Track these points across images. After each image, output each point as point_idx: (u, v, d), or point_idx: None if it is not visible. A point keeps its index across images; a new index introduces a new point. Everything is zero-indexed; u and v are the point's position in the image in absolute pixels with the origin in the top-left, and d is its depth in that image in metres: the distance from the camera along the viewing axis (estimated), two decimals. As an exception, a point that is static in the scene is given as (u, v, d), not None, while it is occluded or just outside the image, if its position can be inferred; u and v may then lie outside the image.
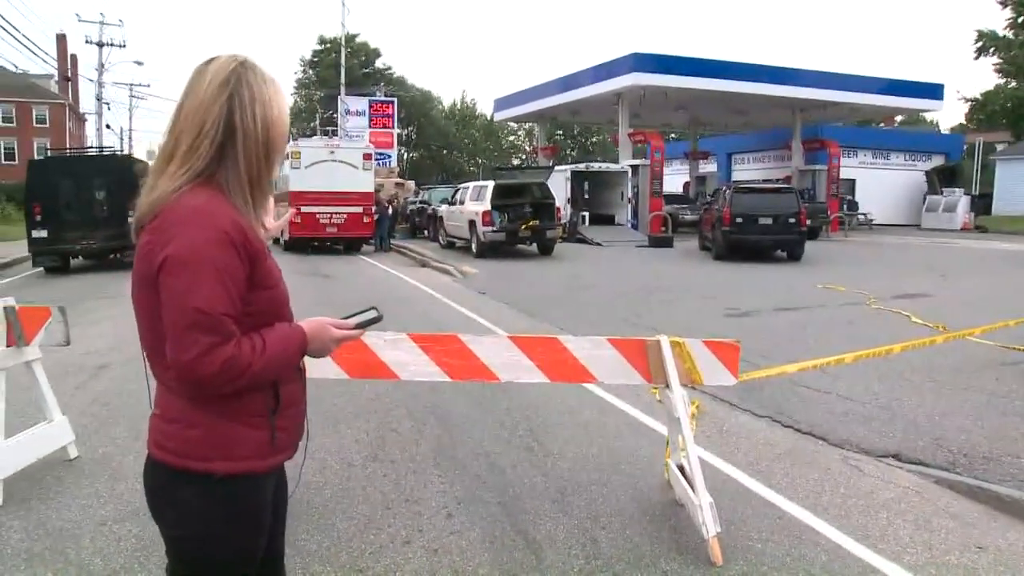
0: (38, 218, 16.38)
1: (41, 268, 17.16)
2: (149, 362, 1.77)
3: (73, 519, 3.93)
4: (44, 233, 16.43)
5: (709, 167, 42.95)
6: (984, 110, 41.98)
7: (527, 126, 67.51)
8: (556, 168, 27.64)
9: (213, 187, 1.68)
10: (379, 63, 69.59)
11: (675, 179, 41.17)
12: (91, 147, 37.02)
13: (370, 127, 41.85)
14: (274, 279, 1.77)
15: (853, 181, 37.34)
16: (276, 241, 21.07)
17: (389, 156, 41.81)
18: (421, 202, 29.59)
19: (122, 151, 35.43)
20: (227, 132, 1.67)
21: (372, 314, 1.92)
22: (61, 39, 54.58)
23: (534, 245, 20.59)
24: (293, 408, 1.83)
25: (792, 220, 18.72)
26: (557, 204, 20.93)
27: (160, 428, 1.74)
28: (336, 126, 42.29)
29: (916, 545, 3.69)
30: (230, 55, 1.74)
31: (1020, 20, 36.64)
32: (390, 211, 25.15)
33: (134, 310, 1.77)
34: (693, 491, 3.67)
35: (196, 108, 1.67)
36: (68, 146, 45.63)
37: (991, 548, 3.67)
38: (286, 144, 1.81)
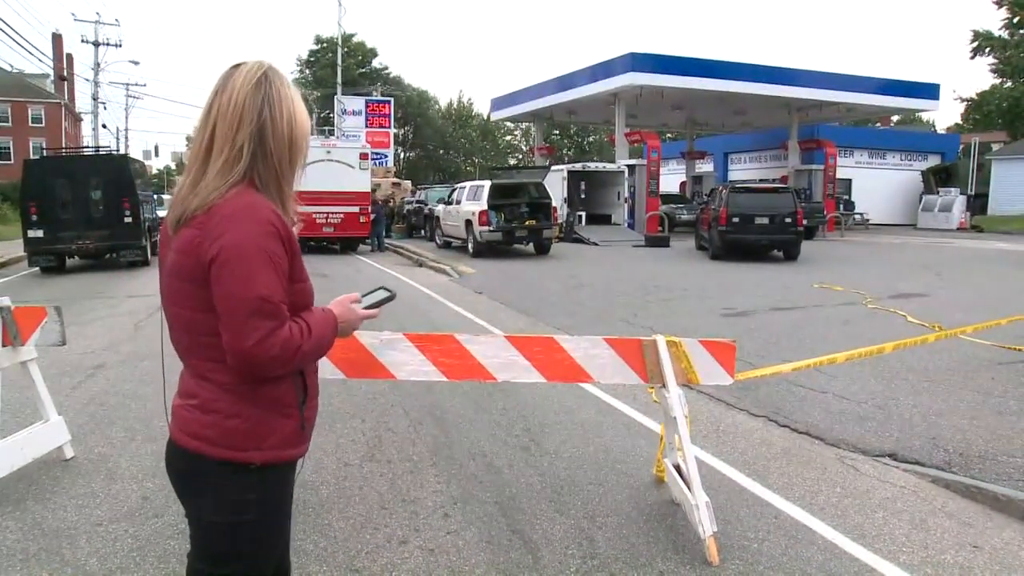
0: (34, 218, 16.35)
1: (37, 268, 17.12)
2: (184, 353, 1.84)
3: (69, 519, 3.93)
4: (40, 233, 16.41)
5: (706, 167, 42.97)
6: (980, 110, 42.06)
7: (524, 126, 67.42)
8: (553, 168, 27.67)
9: (252, 186, 1.78)
10: (376, 63, 69.43)
11: (672, 179, 41.18)
12: (87, 147, 36.91)
13: (367, 127, 41.73)
14: (305, 273, 1.88)
15: (849, 181, 37.42)
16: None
17: (386, 156, 41.72)
18: (418, 202, 29.60)
19: (118, 151, 35.35)
20: (260, 131, 1.77)
21: (383, 293, 2.02)
22: (57, 38, 54.45)
23: (531, 245, 20.60)
24: (315, 398, 1.94)
25: (789, 220, 18.73)
26: (554, 204, 20.93)
27: (196, 418, 1.80)
28: (333, 126, 42.20)
29: (912, 544, 3.70)
30: (256, 61, 1.85)
31: (1016, 20, 36.73)
32: (384, 210, 25.12)
33: (165, 304, 1.84)
34: (690, 490, 3.68)
35: (232, 107, 1.77)
36: (64, 146, 45.50)
37: (987, 547, 3.68)
38: (308, 145, 1.90)
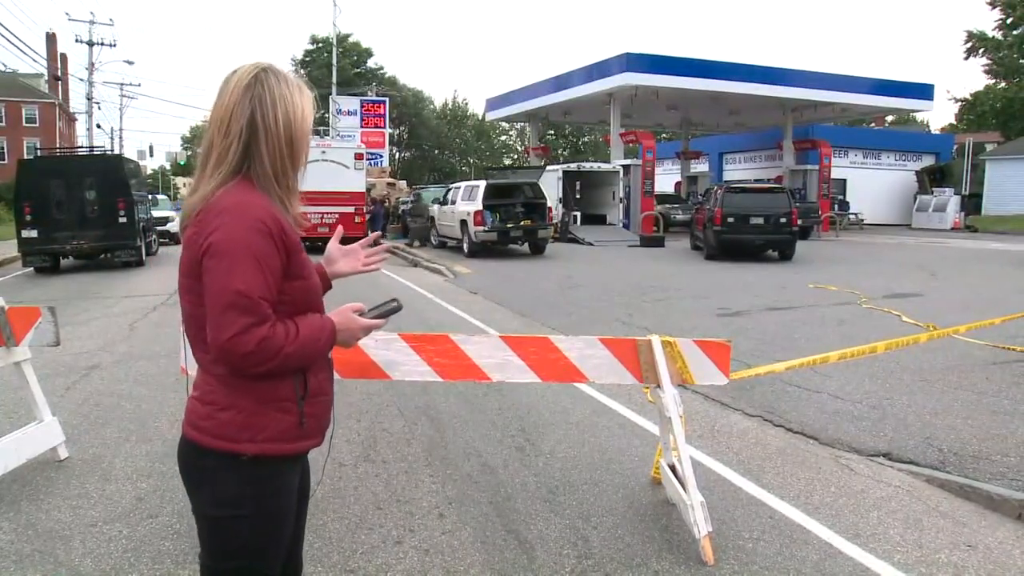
0: (28, 218, 16.32)
1: (31, 268, 17.08)
2: (193, 347, 1.88)
3: (63, 520, 3.91)
4: (34, 233, 16.37)
5: (701, 167, 43.01)
6: (974, 110, 42.32)
7: (519, 126, 67.41)
8: (548, 168, 27.67)
9: (248, 183, 1.81)
10: (371, 63, 69.37)
11: (667, 179, 41.24)
12: (81, 147, 36.80)
13: (362, 127, 41.70)
14: (308, 271, 1.88)
15: (844, 181, 37.54)
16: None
17: (381, 156, 41.69)
18: (413, 202, 29.55)
19: (112, 151, 35.24)
20: (251, 131, 1.79)
21: (393, 304, 2.02)
22: (51, 38, 54.23)
23: (526, 245, 20.60)
24: (322, 396, 1.95)
25: (783, 220, 18.77)
26: (549, 204, 20.95)
27: (196, 409, 1.83)
28: (328, 126, 42.15)
29: (906, 544, 3.71)
30: (254, 63, 1.87)
31: (1009, 21, 36.90)
32: (378, 210, 25.08)
33: (179, 297, 1.88)
34: (685, 490, 3.68)
35: (223, 112, 1.81)
36: (58, 146, 45.38)
37: (981, 546, 3.69)
38: (308, 143, 1.91)
